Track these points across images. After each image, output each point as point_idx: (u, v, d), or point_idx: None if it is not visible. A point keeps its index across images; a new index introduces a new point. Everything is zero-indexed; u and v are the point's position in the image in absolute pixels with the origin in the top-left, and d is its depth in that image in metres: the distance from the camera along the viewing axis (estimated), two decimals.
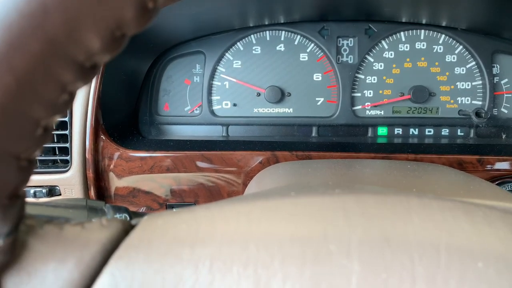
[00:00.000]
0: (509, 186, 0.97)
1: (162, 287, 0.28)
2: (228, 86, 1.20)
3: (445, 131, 1.18)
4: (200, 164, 0.99)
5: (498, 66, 1.16)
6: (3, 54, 0.24)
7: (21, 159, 0.28)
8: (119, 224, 0.33)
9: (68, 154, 0.96)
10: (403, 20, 1.15)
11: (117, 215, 0.56)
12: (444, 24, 1.14)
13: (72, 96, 0.29)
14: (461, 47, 1.15)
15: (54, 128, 0.30)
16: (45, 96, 0.27)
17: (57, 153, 0.98)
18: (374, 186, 0.50)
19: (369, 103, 1.18)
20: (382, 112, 1.18)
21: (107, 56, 0.28)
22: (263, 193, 0.41)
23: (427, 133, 1.18)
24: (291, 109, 1.19)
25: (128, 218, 0.57)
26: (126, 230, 0.33)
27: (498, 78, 1.16)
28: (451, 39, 1.15)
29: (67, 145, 0.96)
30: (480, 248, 0.31)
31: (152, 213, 0.36)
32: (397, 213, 0.34)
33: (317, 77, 1.18)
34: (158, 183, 1.00)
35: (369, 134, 1.18)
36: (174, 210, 0.36)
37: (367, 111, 1.18)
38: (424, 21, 1.14)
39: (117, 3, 0.25)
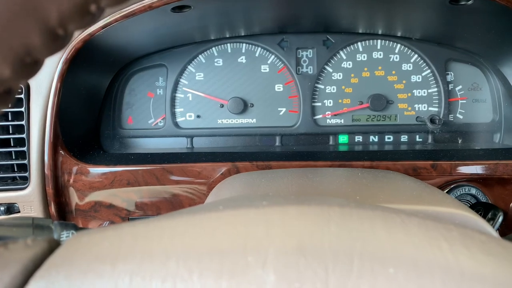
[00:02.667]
0: (463, 190, 1.01)
1: None
2: (192, 98, 1.21)
3: (404, 138, 1.22)
4: (161, 177, 0.99)
5: (452, 74, 1.20)
6: None
7: None
8: (44, 244, 0.34)
9: (27, 171, 0.95)
10: (360, 31, 1.18)
11: (64, 233, 0.56)
12: (399, 34, 1.18)
13: None
14: (416, 56, 1.19)
15: None
16: None
17: (15, 170, 0.97)
18: (311, 195, 0.51)
19: (329, 112, 1.20)
20: (342, 121, 1.21)
21: (21, 81, 0.29)
22: (193, 208, 0.42)
23: (386, 139, 1.22)
24: (254, 120, 1.21)
25: None
26: (52, 248, 0.34)
27: (452, 85, 1.21)
28: (406, 48, 1.19)
29: (26, 162, 0.95)
30: (393, 254, 0.32)
31: (80, 230, 0.37)
32: (316, 224, 0.35)
33: (279, 88, 1.20)
34: (120, 197, 1.00)
35: (331, 142, 1.21)
36: (103, 226, 0.36)
37: (328, 120, 1.21)
38: (380, 32, 1.18)
39: (22, 31, 0.26)
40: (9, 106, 0.29)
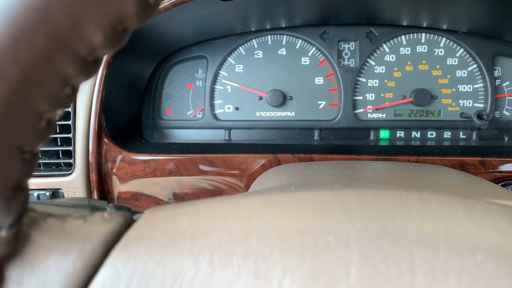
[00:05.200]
0: (511, 188, 0.97)
1: (163, 278, 0.29)
2: (230, 90, 1.21)
3: (447, 134, 1.18)
4: (203, 167, 0.99)
5: (500, 69, 1.16)
6: (8, 47, 0.25)
7: (25, 151, 0.29)
8: (120, 218, 0.34)
9: (72, 157, 0.97)
10: (404, 24, 1.16)
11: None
12: (444, 27, 1.15)
13: (74, 90, 0.29)
14: (462, 50, 1.16)
15: (57, 121, 0.30)
16: (48, 89, 0.27)
17: (60, 156, 0.99)
18: (374, 183, 0.50)
19: (370, 106, 1.18)
20: (384, 115, 1.18)
21: (109, 50, 0.29)
22: (264, 189, 0.41)
23: (429, 135, 1.19)
24: (293, 113, 1.20)
25: None
26: (128, 223, 0.34)
27: (499, 80, 1.16)
28: (452, 42, 1.16)
29: (71, 148, 0.97)
30: (479, 240, 0.31)
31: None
32: (396, 207, 0.34)
33: (319, 80, 1.19)
34: (161, 186, 1.01)
35: (371, 137, 1.18)
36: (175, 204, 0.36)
37: (369, 114, 1.19)
38: (424, 25, 1.15)
39: None
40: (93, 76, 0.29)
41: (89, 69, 0.29)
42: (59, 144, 0.98)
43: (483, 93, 1.16)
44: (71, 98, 0.29)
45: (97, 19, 0.26)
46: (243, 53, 1.20)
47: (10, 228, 0.29)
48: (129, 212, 0.57)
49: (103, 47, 0.28)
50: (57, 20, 0.25)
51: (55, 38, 0.26)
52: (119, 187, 1.01)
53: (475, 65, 1.16)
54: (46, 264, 0.29)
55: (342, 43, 1.18)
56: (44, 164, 0.99)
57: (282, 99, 1.18)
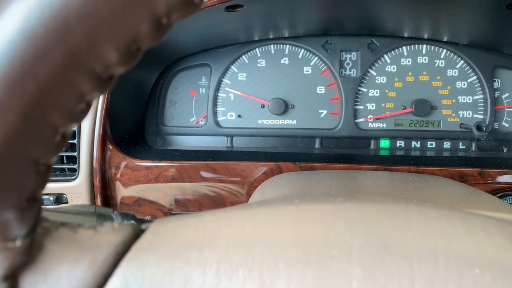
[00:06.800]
0: (510, 199, 0.98)
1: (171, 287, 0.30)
2: (233, 98, 1.22)
3: (446, 144, 1.19)
4: (205, 174, 1.00)
5: (499, 81, 1.18)
6: (28, 65, 0.26)
7: (40, 164, 0.30)
8: (130, 228, 0.35)
9: (76, 163, 0.98)
10: (405, 35, 1.17)
11: (125, 222, 0.57)
12: (445, 39, 1.16)
13: (88, 105, 0.30)
14: (462, 61, 1.17)
15: (70, 135, 0.32)
16: (64, 105, 0.28)
17: (65, 161, 1.00)
18: (376, 195, 0.51)
19: (371, 116, 1.19)
20: (385, 125, 1.20)
21: (123, 68, 0.30)
22: (268, 200, 0.42)
23: (429, 146, 1.20)
24: (294, 121, 1.21)
25: None
26: (137, 233, 0.35)
27: (499, 92, 1.18)
28: (452, 53, 1.17)
29: (75, 154, 0.98)
30: (477, 255, 0.32)
31: (160, 217, 0.38)
32: (397, 221, 0.35)
33: (320, 90, 1.20)
34: (163, 192, 1.02)
35: (372, 146, 1.20)
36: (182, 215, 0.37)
37: (370, 124, 1.20)
38: (426, 36, 1.16)
39: (134, 19, 0.27)
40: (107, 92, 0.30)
41: (103, 86, 0.30)
42: (63, 149, 0.99)
43: (482, 104, 1.18)
44: (85, 113, 0.31)
45: (113, 39, 0.27)
46: (246, 61, 1.21)
47: (25, 238, 0.30)
48: (134, 219, 0.58)
49: (118, 65, 0.29)
50: (75, 40, 0.26)
51: (73, 57, 0.27)
52: (122, 192, 1.02)
53: (475, 77, 1.17)
54: (58, 273, 0.30)
55: (344, 53, 1.20)
56: None
57: (284, 108, 1.19)
